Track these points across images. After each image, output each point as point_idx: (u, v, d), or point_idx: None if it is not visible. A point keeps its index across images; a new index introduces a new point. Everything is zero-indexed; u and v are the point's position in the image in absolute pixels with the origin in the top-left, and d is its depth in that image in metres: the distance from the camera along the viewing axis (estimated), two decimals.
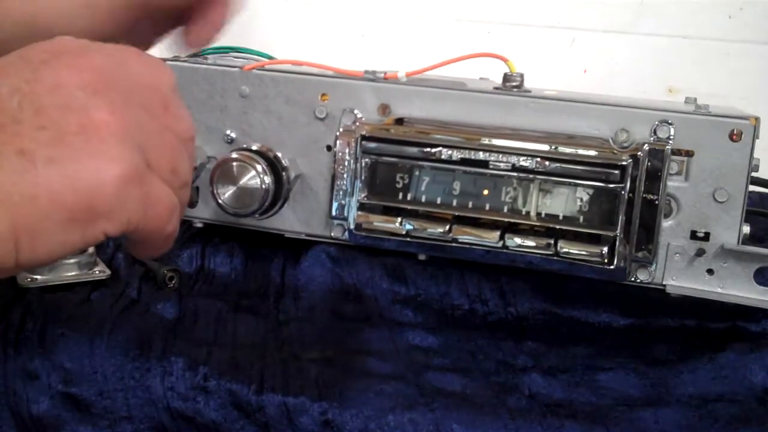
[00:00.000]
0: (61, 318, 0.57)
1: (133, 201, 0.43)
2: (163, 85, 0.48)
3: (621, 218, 0.64)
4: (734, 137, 0.62)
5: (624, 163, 0.63)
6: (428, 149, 0.66)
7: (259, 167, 0.66)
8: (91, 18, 0.61)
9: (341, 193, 0.69)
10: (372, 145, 0.67)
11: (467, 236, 0.67)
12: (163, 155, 0.46)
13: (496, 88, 0.68)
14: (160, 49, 1.12)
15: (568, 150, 0.64)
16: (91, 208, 0.41)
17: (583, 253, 0.65)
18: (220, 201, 0.67)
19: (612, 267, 0.64)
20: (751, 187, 0.65)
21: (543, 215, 0.66)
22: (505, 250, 0.66)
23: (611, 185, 0.64)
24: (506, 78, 0.69)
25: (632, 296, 0.66)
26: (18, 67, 0.43)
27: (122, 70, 0.46)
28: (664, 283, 0.65)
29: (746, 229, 0.64)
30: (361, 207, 0.69)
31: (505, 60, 0.69)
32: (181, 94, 0.71)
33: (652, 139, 0.63)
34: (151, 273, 0.67)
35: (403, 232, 0.68)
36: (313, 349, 0.59)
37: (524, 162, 0.65)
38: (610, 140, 0.64)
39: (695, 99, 0.67)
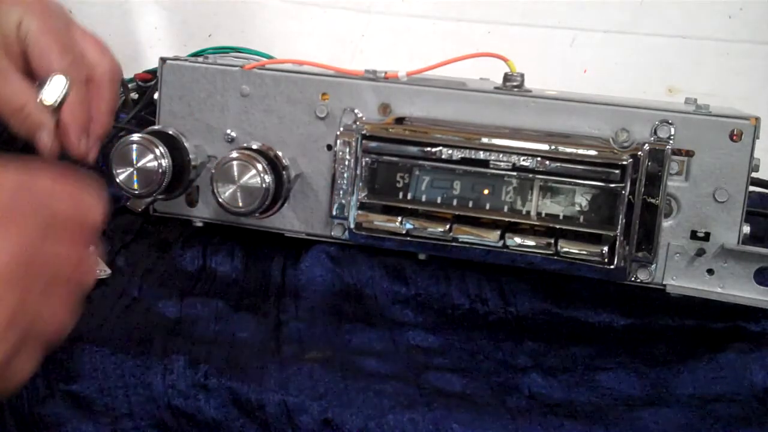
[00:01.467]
0: None
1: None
2: (87, 221, 0.45)
3: (621, 218, 0.64)
4: (734, 137, 0.63)
5: (624, 162, 0.63)
6: (428, 149, 0.66)
7: (259, 166, 0.66)
8: None
9: (341, 192, 0.69)
10: (372, 144, 0.67)
11: (467, 236, 0.67)
12: (51, 321, 0.42)
13: (497, 88, 0.68)
14: (160, 49, 1.12)
15: (568, 149, 0.64)
16: None
17: (583, 252, 0.65)
18: (220, 200, 0.67)
19: (612, 267, 0.64)
20: (751, 187, 0.65)
21: (543, 215, 0.66)
22: (505, 250, 0.66)
23: (611, 185, 0.64)
24: (506, 78, 0.69)
25: (632, 296, 0.66)
26: None
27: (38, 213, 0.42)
28: (664, 283, 0.65)
29: (746, 229, 0.64)
30: (362, 206, 0.69)
31: (505, 60, 0.69)
32: (182, 94, 0.72)
33: (652, 138, 0.63)
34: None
35: (404, 232, 0.68)
36: (313, 349, 0.59)
37: (524, 161, 0.65)
38: (611, 140, 0.64)
39: (695, 99, 0.67)
